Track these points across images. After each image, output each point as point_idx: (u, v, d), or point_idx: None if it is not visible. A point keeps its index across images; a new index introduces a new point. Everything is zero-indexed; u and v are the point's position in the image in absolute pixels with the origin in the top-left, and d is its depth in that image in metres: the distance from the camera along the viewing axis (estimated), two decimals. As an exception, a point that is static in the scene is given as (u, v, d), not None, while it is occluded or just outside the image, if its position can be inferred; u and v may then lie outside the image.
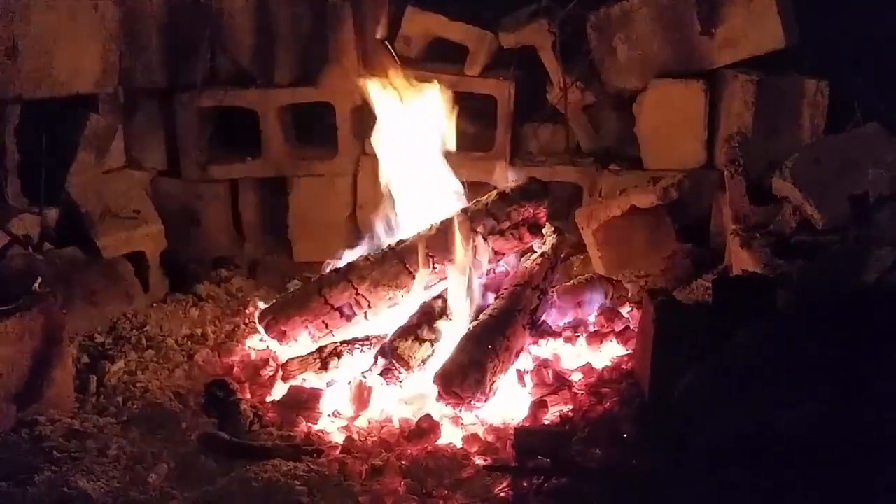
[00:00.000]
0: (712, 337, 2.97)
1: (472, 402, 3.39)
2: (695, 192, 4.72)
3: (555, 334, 4.01)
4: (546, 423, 3.42)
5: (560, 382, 3.62)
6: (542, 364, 3.77)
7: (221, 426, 3.37)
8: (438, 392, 3.42)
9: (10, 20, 3.89)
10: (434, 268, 3.95)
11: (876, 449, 2.55)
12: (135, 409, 3.53)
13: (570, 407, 3.48)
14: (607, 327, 4.08)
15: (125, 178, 4.81)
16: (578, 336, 4.02)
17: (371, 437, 3.35)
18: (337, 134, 5.11)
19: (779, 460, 2.57)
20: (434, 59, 5.28)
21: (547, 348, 3.95)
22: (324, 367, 3.71)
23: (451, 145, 4.49)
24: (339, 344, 3.80)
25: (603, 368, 3.78)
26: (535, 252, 4.15)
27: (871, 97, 4.42)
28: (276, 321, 3.93)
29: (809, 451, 2.57)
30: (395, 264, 3.94)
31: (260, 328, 4.02)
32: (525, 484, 2.96)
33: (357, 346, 3.80)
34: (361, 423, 3.47)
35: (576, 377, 3.74)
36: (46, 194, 4.18)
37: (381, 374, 3.58)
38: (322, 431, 3.43)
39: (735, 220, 4.26)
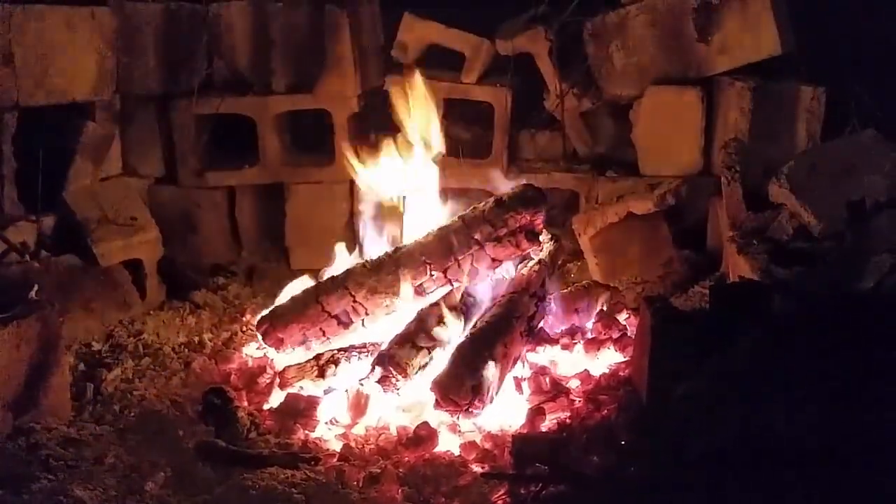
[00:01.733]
0: (709, 343, 2.97)
1: (470, 410, 3.39)
2: (691, 199, 4.74)
3: (552, 341, 4.01)
4: (543, 430, 3.41)
5: (557, 390, 3.62)
6: (539, 371, 3.77)
7: (218, 434, 3.37)
8: (436, 399, 3.42)
9: (7, 28, 3.89)
10: (431, 275, 3.95)
11: (875, 453, 2.55)
12: (132, 417, 3.52)
13: (568, 414, 3.48)
14: (604, 334, 4.08)
15: (122, 185, 4.81)
16: (576, 343, 4.02)
17: (368, 444, 3.35)
18: (334, 141, 5.11)
19: (778, 466, 2.57)
20: (431, 66, 5.29)
21: (544, 355, 3.95)
22: (321, 374, 3.71)
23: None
24: (336, 351, 3.80)
25: (600, 375, 3.77)
26: (533, 259, 4.16)
27: (868, 103, 4.43)
28: (273, 328, 3.92)
29: (808, 457, 2.57)
30: (392, 272, 3.94)
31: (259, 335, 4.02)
32: (523, 491, 2.96)
33: (354, 353, 3.79)
34: (359, 430, 3.46)
35: (573, 384, 3.73)
36: (43, 202, 4.18)
37: (378, 382, 3.57)
38: (319, 439, 3.42)
39: (732, 226, 4.27)
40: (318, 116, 5.15)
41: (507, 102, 5.13)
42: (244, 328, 4.35)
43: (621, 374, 3.76)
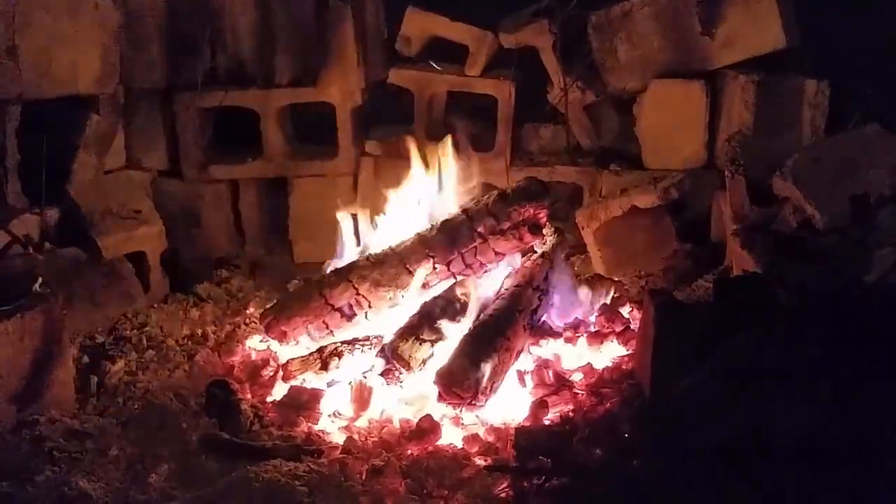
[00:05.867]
0: (713, 337, 2.97)
1: (473, 403, 3.39)
2: (695, 192, 4.73)
3: (555, 334, 4.01)
4: (547, 423, 3.41)
5: (560, 383, 3.62)
6: (542, 364, 3.77)
7: (222, 426, 3.37)
8: (439, 392, 3.43)
9: (11, 20, 3.89)
10: (435, 268, 3.95)
11: (876, 449, 2.55)
12: (135, 410, 3.53)
13: (571, 407, 3.48)
14: (608, 327, 4.08)
15: (126, 178, 4.82)
16: (579, 336, 4.02)
17: (371, 437, 3.35)
18: (337, 134, 5.11)
19: (779, 461, 2.57)
20: (434, 59, 5.29)
21: (547, 348, 3.95)
22: (324, 367, 3.71)
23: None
24: (339, 344, 3.80)
25: (603, 369, 3.78)
26: (536, 252, 4.16)
27: (872, 97, 4.41)
28: (277, 321, 3.93)
29: (810, 452, 2.57)
30: (395, 264, 3.94)
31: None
32: (526, 484, 2.96)
33: (357, 346, 3.79)
34: (362, 423, 3.47)
35: (576, 377, 3.74)
36: (47, 194, 4.18)
37: (381, 375, 3.59)
38: (322, 432, 3.43)
39: (735, 220, 4.26)
40: (321, 110, 5.15)
41: (510, 95, 5.13)
42: (247, 321, 4.35)
43: (624, 367, 3.76)
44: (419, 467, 3.12)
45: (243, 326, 4.33)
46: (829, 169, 4.03)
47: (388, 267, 3.94)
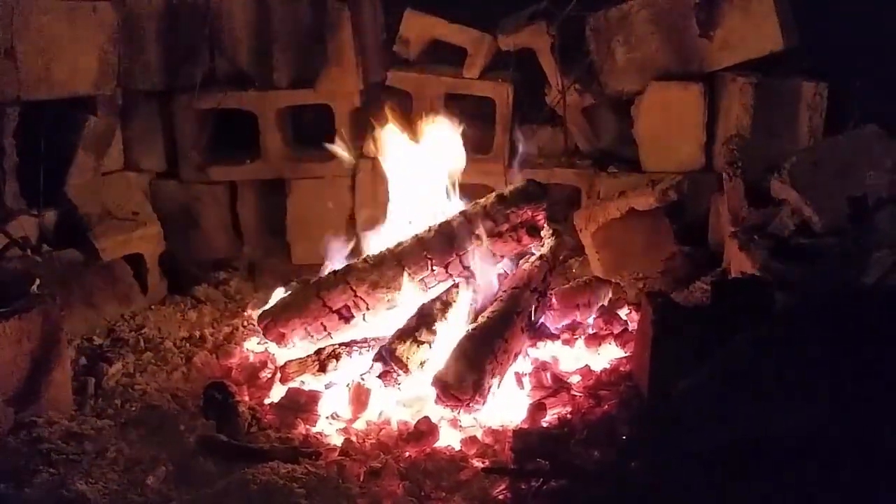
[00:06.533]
0: (711, 339, 2.97)
1: (471, 405, 3.39)
2: (693, 195, 4.73)
3: (553, 337, 4.01)
4: (544, 425, 3.41)
5: (558, 385, 3.62)
6: (540, 366, 3.77)
7: (220, 428, 3.37)
8: (437, 394, 3.42)
9: (10, 22, 3.89)
10: (432, 270, 3.95)
11: (876, 449, 2.55)
12: (133, 412, 3.53)
13: (569, 409, 3.48)
14: (606, 329, 4.08)
15: (124, 180, 4.82)
16: (577, 338, 4.02)
17: (369, 439, 3.35)
18: (335, 136, 5.11)
19: (779, 461, 2.57)
20: (432, 61, 5.29)
21: (545, 351, 3.94)
22: (322, 369, 3.71)
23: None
24: (337, 346, 3.80)
25: (601, 371, 3.77)
26: (534, 254, 4.15)
27: (870, 99, 4.42)
28: (274, 323, 3.92)
29: (809, 454, 2.57)
30: (393, 266, 3.94)
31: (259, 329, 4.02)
32: (523, 486, 2.96)
33: (355, 348, 3.79)
34: (360, 425, 3.46)
35: (574, 379, 3.73)
36: (45, 196, 4.18)
37: (379, 377, 3.58)
38: (320, 433, 3.42)
39: (733, 222, 4.27)
40: (319, 111, 5.16)
41: (508, 98, 5.13)
42: (245, 323, 4.35)
43: (622, 369, 3.76)
44: (417, 469, 3.12)
45: (241, 328, 4.32)
46: (827, 171, 4.03)
47: (386, 269, 3.93)
